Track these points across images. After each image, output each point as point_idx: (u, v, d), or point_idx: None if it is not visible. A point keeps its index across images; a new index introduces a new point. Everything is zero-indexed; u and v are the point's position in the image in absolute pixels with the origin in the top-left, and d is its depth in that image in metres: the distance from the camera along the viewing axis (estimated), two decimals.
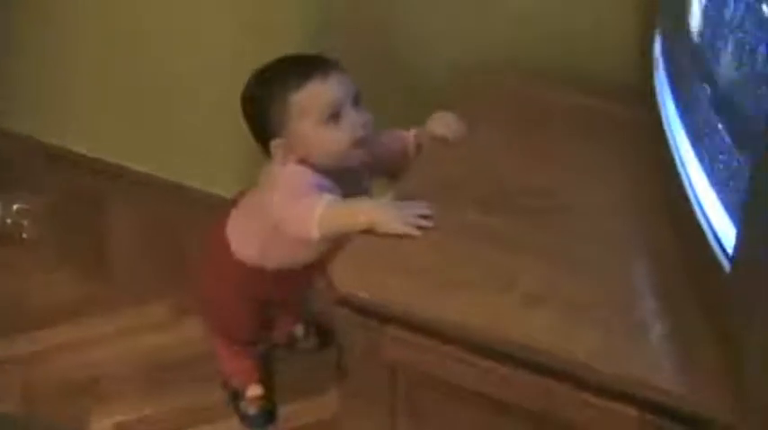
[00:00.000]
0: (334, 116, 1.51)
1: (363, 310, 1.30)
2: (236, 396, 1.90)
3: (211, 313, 1.86)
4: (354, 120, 1.51)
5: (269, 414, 1.90)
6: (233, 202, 1.76)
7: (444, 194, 1.42)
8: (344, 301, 1.31)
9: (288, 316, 2.01)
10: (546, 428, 1.27)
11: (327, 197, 1.46)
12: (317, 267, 1.80)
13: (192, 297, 2.10)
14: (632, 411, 1.18)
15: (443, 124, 1.58)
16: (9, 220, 2.37)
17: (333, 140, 1.52)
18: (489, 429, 1.33)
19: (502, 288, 1.27)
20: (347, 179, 1.55)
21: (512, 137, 1.56)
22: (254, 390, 1.88)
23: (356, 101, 1.53)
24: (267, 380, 1.90)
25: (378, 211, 1.38)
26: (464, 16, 1.80)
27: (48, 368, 2.06)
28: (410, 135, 1.64)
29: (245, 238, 1.69)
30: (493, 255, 1.32)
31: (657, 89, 1.40)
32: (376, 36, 1.90)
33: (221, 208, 2.20)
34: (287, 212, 1.50)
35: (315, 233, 1.43)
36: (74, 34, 2.34)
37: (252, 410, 1.89)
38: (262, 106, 1.56)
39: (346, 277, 1.31)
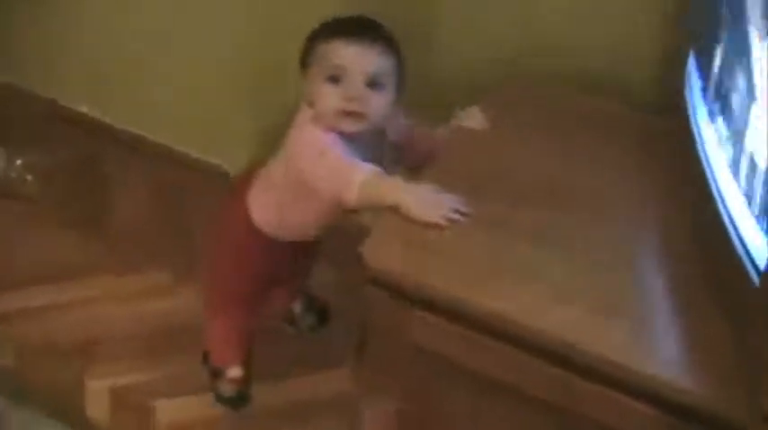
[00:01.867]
0: (334, 78, 1.54)
1: (393, 290, 1.32)
2: (214, 373, 1.92)
3: (215, 283, 1.88)
4: (350, 92, 1.53)
5: (244, 396, 1.91)
6: (250, 173, 1.77)
7: (472, 187, 1.45)
8: (375, 279, 1.33)
9: (287, 292, 2.03)
10: (565, 422, 1.29)
11: (371, 166, 1.47)
12: (318, 246, 1.84)
13: (192, 264, 2.13)
14: (651, 410, 1.21)
15: (471, 116, 1.62)
16: (13, 174, 2.36)
17: (323, 98, 1.55)
18: (506, 420, 1.36)
19: (531, 281, 1.30)
20: (363, 153, 1.56)
21: (537, 135, 1.60)
22: (235, 372, 1.90)
23: (374, 83, 1.54)
24: (248, 360, 1.91)
25: (413, 195, 1.40)
26: (491, 18, 1.85)
27: (44, 327, 2.06)
28: (438, 131, 1.66)
29: (266, 205, 1.71)
30: (521, 248, 1.36)
31: (688, 99, 1.44)
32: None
33: (226, 179, 2.24)
34: (324, 170, 1.51)
35: (352, 197, 1.45)
36: None
37: (229, 391, 1.91)
38: (307, 41, 1.60)
39: (379, 256, 1.33)
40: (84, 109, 2.51)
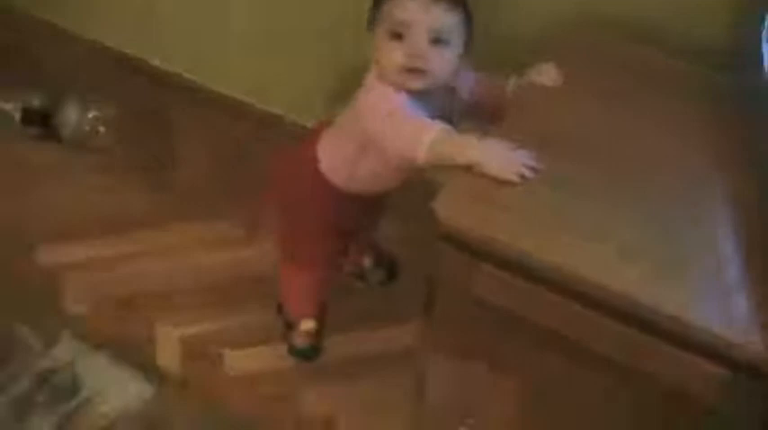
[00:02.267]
0: (398, 35, 1.53)
1: (462, 245, 1.32)
2: (288, 325, 1.95)
3: (290, 237, 1.89)
4: (413, 49, 1.52)
5: (316, 349, 1.95)
6: (321, 126, 1.77)
7: (543, 144, 1.43)
8: (446, 235, 1.33)
9: (357, 247, 2.05)
10: (628, 379, 1.30)
11: (440, 124, 1.47)
12: (385, 200, 1.85)
13: (260, 215, 2.15)
14: (715, 367, 1.21)
15: (544, 72, 1.60)
16: (86, 127, 2.40)
17: (387, 55, 1.54)
18: (571, 375, 1.37)
19: (598, 238, 1.30)
20: (432, 110, 1.55)
21: (604, 93, 1.57)
22: (307, 324, 1.93)
23: (439, 39, 1.52)
24: (321, 315, 1.95)
25: (487, 151, 1.39)
26: None
27: (117, 275, 2.11)
28: (508, 84, 1.65)
29: (336, 158, 1.71)
30: (589, 206, 1.35)
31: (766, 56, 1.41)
32: None
33: (294, 131, 2.25)
34: (392, 130, 1.51)
35: (421, 156, 1.44)
36: None
37: (301, 343, 1.94)
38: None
39: (451, 212, 1.33)
40: (154, 60, 2.53)
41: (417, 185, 1.70)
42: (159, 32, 2.49)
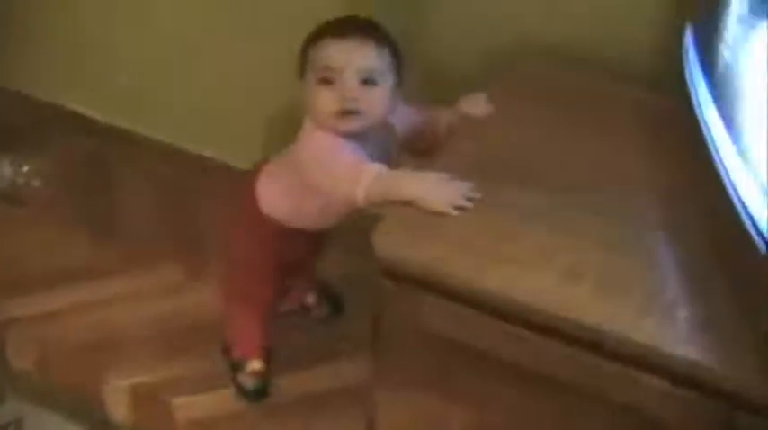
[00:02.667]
0: (327, 80, 1.54)
1: (405, 278, 1.34)
2: (235, 366, 1.94)
3: (235, 276, 1.90)
4: (345, 92, 1.53)
5: (264, 389, 1.94)
6: (259, 166, 1.78)
7: (480, 172, 1.45)
8: (386, 269, 1.35)
9: (301, 283, 2.05)
10: (579, 400, 1.31)
11: (377, 165, 1.49)
12: (328, 235, 1.86)
13: (204, 261, 2.15)
14: (664, 384, 1.23)
15: (474, 104, 1.63)
16: (20, 180, 2.38)
17: (319, 101, 1.55)
18: (522, 401, 1.38)
19: (541, 263, 1.32)
20: (372, 149, 1.57)
21: (542, 119, 1.60)
22: (255, 364, 1.92)
23: (369, 80, 1.54)
24: (267, 354, 1.94)
25: (423, 186, 1.41)
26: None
27: (62, 328, 2.08)
28: (442, 114, 1.67)
29: (278, 197, 1.72)
30: (530, 232, 1.37)
31: (688, 75, 1.45)
32: (408, 16, 1.94)
33: (232, 175, 2.25)
34: (329, 176, 1.52)
35: (360, 198, 1.46)
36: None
37: (250, 384, 1.93)
38: (302, 46, 1.60)
39: (390, 245, 1.35)
40: (86, 111, 2.52)
41: (358, 219, 1.72)
42: (93, 84, 2.48)
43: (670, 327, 1.24)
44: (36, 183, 2.39)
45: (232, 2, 2.17)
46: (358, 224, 1.67)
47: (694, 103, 1.40)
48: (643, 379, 1.25)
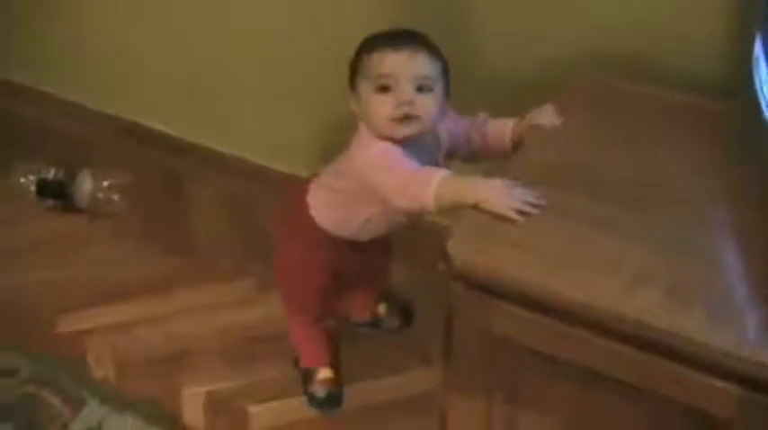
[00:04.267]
0: (384, 88, 1.59)
1: (478, 285, 1.36)
2: (306, 377, 1.98)
3: (286, 285, 1.94)
4: (402, 97, 1.57)
5: (336, 397, 1.97)
6: (311, 177, 1.83)
7: (549, 181, 1.48)
8: (458, 274, 1.37)
9: (368, 293, 2.09)
10: (652, 406, 1.33)
11: (444, 170, 1.52)
12: (388, 244, 1.90)
13: (273, 272, 2.19)
14: (734, 388, 1.24)
15: (544, 115, 1.65)
16: (101, 195, 2.45)
17: (376, 109, 1.59)
18: (591, 406, 1.40)
19: (610, 269, 1.33)
20: (420, 155, 1.61)
21: (607, 130, 1.62)
22: (324, 373, 1.97)
23: (423, 87, 1.58)
24: (336, 362, 1.98)
25: (489, 191, 1.43)
26: (554, 15, 1.87)
27: (139, 337, 2.15)
28: (510, 122, 1.71)
29: (325, 205, 1.77)
30: (599, 238, 1.38)
31: (758, 84, 1.46)
32: (467, 32, 1.97)
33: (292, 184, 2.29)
34: (395, 183, 1.55)
35: (430, 204, 1.49)
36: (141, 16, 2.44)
37: (320, 393, 1.96)
38: (353, 58, 1.65)
39: (462, 250, 1.37)
40: (161, 127, 2.59)
41: (424, 229, 1.75)
42: (162, 99, 2.56)
43: (741, 332, 1.24)
44: (115, 197, 2.45)
45: (298, 21, 2.22)
46: (422, 234, 1.71)
47: (764, 112, 1.41)
48: (715, 383, 1.25)
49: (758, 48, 1.49)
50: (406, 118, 1.58)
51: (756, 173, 1.42)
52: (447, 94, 1.65)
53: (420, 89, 1.59)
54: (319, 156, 2.26)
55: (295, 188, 1.84)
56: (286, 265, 1.91)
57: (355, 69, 1.65)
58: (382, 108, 1.58)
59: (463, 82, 1.71)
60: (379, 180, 1.59)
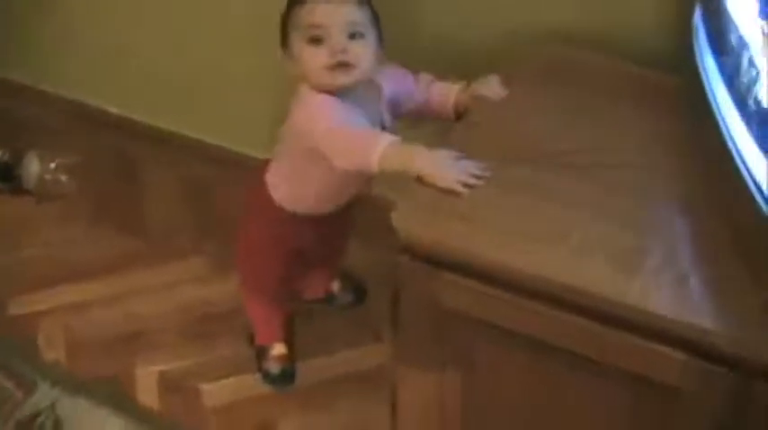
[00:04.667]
0: (316, 39, 1.60)
1: (422, 255, 1.37)
2: (260, 353, 1.99)
3: (246, 263, 1.95)
4: (335, 46, 1.58)
5: (290, 373, 1.98)
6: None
7: (493, 151, 1.49)
8: (404, 246, 1.38)
9: (324, 271, 2.09)
10: (595, 373, 1.34)
11: (390, 135, 1.53)
12: (347, 222, 1.90)
13: (228, 252, 2.18)
14: (679, 354, 1.26)
15: (489, 86, 1.66)
16: (48, 176, 2.42)
17: (310, 60, 1.60)
18: (540, 375, 1.41)
19: (556, 240, 1.35)
20: (363, 106, 1.62)
21: (554, 100, 1.63)
22: (279, 349, 1.97)
23: (355, 33, 1.60)
24: (291, 339, 1.99)
25: (433, 161, 1.44)
26: None
27: (91, 318, 2.13)
28: (455, 88, 1.71)
29: (280, 182, 1.78)
30: (544, 208, 1.40)
31: (698, 54, 1.47)
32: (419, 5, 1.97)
33: (253, 166, 2.28)
34: (340, 143, 1.56)
35: (374, 167, 1.49)
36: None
37: (275, 369, 1.97)
38: (284, 13, 1.66)
39: (408, 223, 1.38)
40: (109, 107, 2.56)
41: (379, 208, 1.74)
42: (114, 80, 2.53)
43: (682, 297, 1.26)
44: (63, 178, 2.43)
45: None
46: (376, 213, 1.71)
47: (704, 80, 1.43)
48: (658, 349, 1.27)
49: (697, 18, 1.50)
50: (341, 65, 1.59)
51: (697, 144, 1.44)
52: (381, 42, 1.65)
53: (352, 36, 1.60)
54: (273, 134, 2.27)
55: (256, 168, 1.84)
56: (247, 244, 1.92)
57: (286, 23, 1.65)
58: (316, 59, 1.59)
59: (409, 40, 1.73)
60: (322, 137, 1.58)
